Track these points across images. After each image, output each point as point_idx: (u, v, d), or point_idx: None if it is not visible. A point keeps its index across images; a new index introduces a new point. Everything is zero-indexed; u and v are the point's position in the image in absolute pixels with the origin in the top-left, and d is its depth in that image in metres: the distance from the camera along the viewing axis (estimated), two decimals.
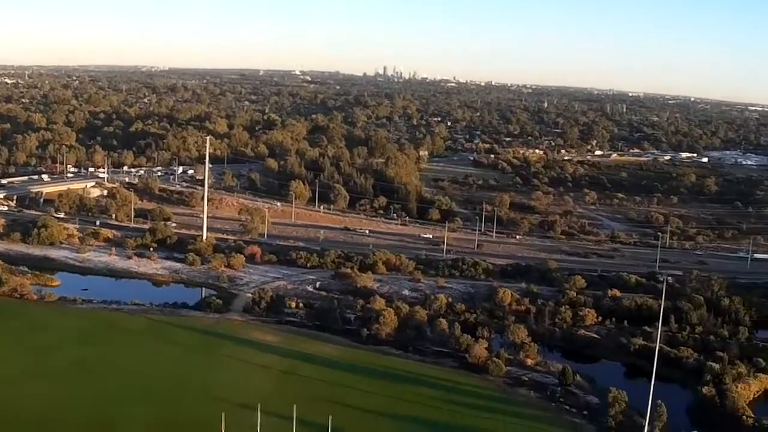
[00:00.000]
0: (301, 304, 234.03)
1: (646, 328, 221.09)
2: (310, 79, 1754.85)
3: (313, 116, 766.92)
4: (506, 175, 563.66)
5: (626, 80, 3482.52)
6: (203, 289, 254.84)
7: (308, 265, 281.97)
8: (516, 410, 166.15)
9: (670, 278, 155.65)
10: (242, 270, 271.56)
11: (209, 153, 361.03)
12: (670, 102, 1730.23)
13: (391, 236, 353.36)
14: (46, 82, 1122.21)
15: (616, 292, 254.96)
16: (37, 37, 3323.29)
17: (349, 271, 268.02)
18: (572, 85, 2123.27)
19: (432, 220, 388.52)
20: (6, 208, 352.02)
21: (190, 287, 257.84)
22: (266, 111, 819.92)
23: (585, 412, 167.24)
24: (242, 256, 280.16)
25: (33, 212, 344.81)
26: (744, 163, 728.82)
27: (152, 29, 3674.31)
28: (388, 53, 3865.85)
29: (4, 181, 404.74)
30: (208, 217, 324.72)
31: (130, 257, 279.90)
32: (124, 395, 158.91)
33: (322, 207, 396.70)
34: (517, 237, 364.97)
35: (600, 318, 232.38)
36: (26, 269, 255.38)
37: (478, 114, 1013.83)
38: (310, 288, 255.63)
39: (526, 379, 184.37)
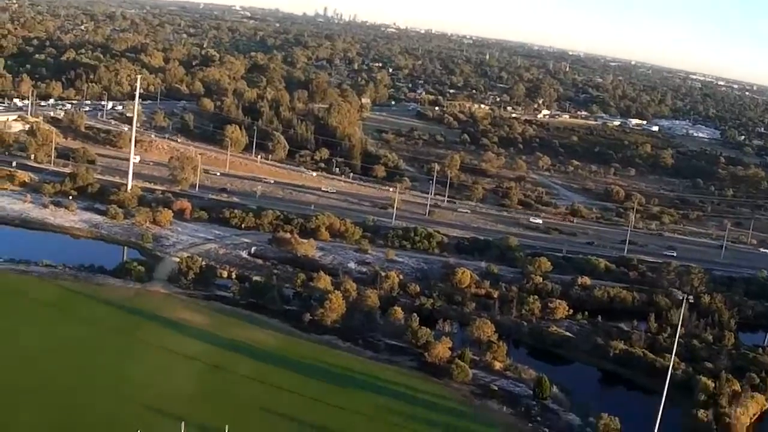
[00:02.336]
0: (234, 275, 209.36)
1: (622, 326, 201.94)
2: (249, 15, 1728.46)
3: (252, 54, 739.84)
4: (453, 130, 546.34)
5: (566, 39, 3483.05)
6: (125, 248, 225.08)
7: (243, 225, 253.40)
8: None
9: (690, 298, 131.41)
10: (169, 228, 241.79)
11: (141, 90, 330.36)
12: (611, 64, 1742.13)
13: (335, 195, 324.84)
14: None
15: (586, 280, 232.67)
16: None
17: (288, 236, 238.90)
18: (512, 39, 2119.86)
19: (377, 177, 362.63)
20: None
21: (110, 244, 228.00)
22: (204, 46, 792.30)
23: None
24: (170, 211, 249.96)
25: None
26: (695, 135, 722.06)
27: None
28: None
29: None
30: (135, 162, 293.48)
31: (46, 206, 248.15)
32: (13, 393, 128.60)
33: (259, 156, 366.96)
34: (471, 204, 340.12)
35: (570, 311, 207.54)
36: None
37: (420, 63, 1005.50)
38: (244, 254, 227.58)
39: (495, 388, 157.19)
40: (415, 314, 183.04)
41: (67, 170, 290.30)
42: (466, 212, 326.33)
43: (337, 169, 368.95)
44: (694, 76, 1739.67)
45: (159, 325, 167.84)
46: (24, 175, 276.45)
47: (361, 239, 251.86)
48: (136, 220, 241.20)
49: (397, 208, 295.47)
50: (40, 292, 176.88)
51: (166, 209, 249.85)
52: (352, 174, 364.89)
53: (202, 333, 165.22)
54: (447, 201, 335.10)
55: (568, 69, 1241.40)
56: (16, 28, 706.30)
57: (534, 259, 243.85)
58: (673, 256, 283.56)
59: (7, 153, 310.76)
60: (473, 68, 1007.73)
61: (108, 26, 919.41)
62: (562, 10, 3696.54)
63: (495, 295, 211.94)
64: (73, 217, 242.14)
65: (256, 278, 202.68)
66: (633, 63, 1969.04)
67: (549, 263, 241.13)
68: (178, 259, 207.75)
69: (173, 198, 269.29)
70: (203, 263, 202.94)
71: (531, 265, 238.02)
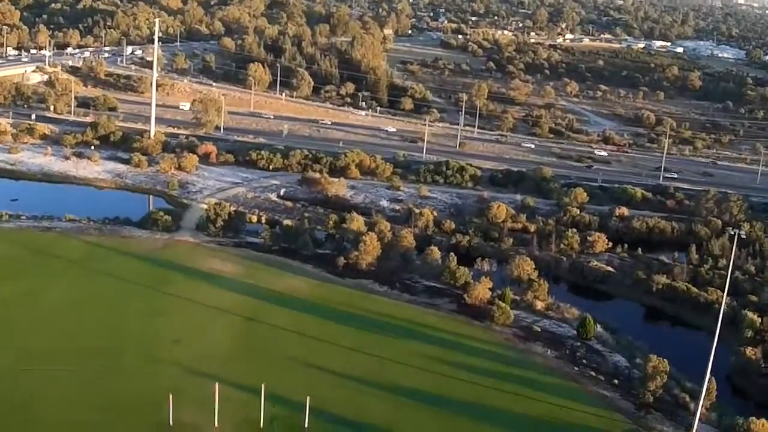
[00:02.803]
0: (264, 219, 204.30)
1: (663, 258, 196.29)
2: None
3: None
4: (478, 59, 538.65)
5: None
6: (150, 198, 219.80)
7: (270, 167, 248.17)
8: (533, 378, 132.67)
9: (742, 233, 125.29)
10: (195, 173, 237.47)
11: (160, 33, 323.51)
12: None
13: (362, 129, 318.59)
14: None
15: (624, 211, 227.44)
16: None
17: (317, 175, 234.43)
18: None
19: (404, 110, 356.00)
20: None
21: (135, 194, 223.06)
22: None
23: (615, 381, 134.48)
24: (195, 156, 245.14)
25: None
26: (720, 55, 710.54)
27: None
28: None
29: None
30: (157, 105, 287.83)
31: (68, 158, 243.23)
32: (41, 355, 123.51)
33: (284, 94, 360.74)
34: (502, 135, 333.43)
35: (610, 244, 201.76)
36: None
37: None
38: (273, 196, 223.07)
39: (538, 329, 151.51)
40: (452, 253, 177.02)
41: (88, 120, 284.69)
42: (498, 142, 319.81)
43: (363, 103, 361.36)
44: None
45: (189, 277, 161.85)
46: (44, 128, 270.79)
47: (392, 176, 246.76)
48: (161, 167, 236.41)
49: (426, 141, 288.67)
50: (64, 249, 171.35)
51: (190, 154, 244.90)
52: (379, 108, 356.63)
53: (234, 283, 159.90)
54: (477, 132, 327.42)
55: None
56: None
57: (570, 190, 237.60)
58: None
59: (26, 106, 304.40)
60: None
61: None
62: None
63: (532, 230, 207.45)
64: (96, 168, 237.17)
65: (286, 222, 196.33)
66: None
67: (585, 194, 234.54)
68: (205, 206, 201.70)
69: (198, 142, 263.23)
70: (232, 209, 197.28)
71: (567, 197, 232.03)
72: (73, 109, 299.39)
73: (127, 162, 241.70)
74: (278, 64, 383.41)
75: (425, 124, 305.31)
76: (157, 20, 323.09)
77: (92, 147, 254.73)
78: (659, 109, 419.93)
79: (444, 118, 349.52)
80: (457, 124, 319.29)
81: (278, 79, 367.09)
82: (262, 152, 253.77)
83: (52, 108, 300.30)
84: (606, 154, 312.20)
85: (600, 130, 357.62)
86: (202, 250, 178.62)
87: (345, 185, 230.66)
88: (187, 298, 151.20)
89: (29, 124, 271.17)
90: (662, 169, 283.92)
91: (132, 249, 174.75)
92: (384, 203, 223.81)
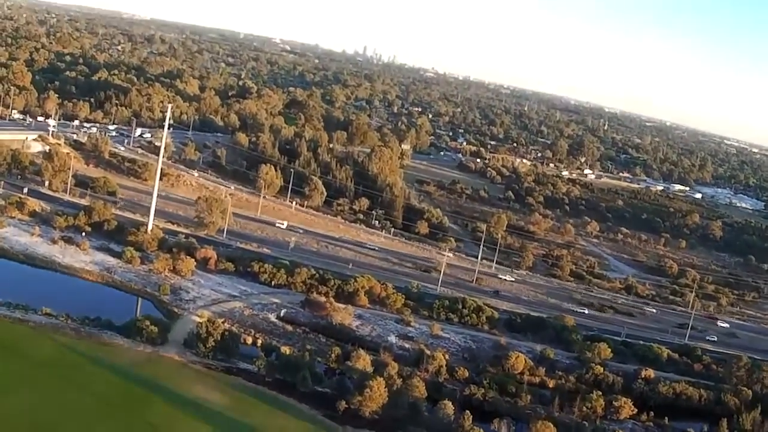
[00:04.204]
0: (260, 342, 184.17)
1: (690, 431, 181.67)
2: (289, 48, 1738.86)
3: (291, 89, 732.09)
4: (496, 185, 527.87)
5: (603, 95, 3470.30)
6: (138, 300, 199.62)
7: (273, 282, 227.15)
8: None
9: None
10: (190, 278, 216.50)
11: (173, 117, 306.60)
12: (647, 124, 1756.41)
13: (374, 252, 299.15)
14: (24, 15, 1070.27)
15: (650, 373, 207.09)
16: None
17: (323, 299, 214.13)
18: (549, 91, 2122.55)
19: (419, 233, 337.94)
20: None
21: (122, 293, 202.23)
22: (242, 76, 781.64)
23: None
24: (193, 260, 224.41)
25: None
26: (738, 204, 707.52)
27: None
28: (368, 32, 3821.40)
29: None
30: (159, 196, 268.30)
31: (55, 241, 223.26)
32: None
33: (294, 202, 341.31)
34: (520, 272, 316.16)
35: (635, 410, 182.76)
36: None
37: (459, 110, 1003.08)
38: (272, 317, 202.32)
39: None
40: (467, 411, 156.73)
41: (83, 202, 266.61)
42: (516, 281, 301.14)
43: (377, 222, 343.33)
44: (729, 141, 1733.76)
45: (169, 403, 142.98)
46: (35, 204, 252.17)
47: (403, 308, 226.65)
48: (155, 266, 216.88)
49: (440, 271, 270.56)
50: (35, 348, 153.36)
51: (188, 257, 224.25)
52: (393, 229, 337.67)
53: (219, 417, 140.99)
54: (495, 267, 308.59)
55: (606, 127, 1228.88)
56: (51, 43, 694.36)
57: (593, 344, 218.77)
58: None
59: (20, 177, 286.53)
60: (513, 119, 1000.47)
61: (145, 48, 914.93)
62: (598, 67, 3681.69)
63: (551, 385, 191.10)
64: (84, 257, 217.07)
65: (285, 350, 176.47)
66: (668, 124, 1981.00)
67: (609, 350, 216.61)
68: (197, 319, 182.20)
69: (197, 244, 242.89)
70: (226, 329, 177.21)
71: (589, 351, 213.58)
72: (69, 188, 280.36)
73: (118, 256, 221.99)
74: (292, 169, 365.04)
75: (441, 253, 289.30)
76: (169, 107, 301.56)
77: (83, 233, 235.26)
78: (681, 258, 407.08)
79: (460, 248, 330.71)
80: (475, 257, 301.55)
81: (290, 185, 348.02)
82: (266, 265, 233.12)
83: (47, 183, 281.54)
84: (655, 311, 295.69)
85: (621, 276, 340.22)
86: (188, 371, 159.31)
87: (352, 314, 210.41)
88: (165, 427, 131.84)
89: (20, 198, 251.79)
90: (689, 327, 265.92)
91: (110, 358, 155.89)
92: (393, 339, 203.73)
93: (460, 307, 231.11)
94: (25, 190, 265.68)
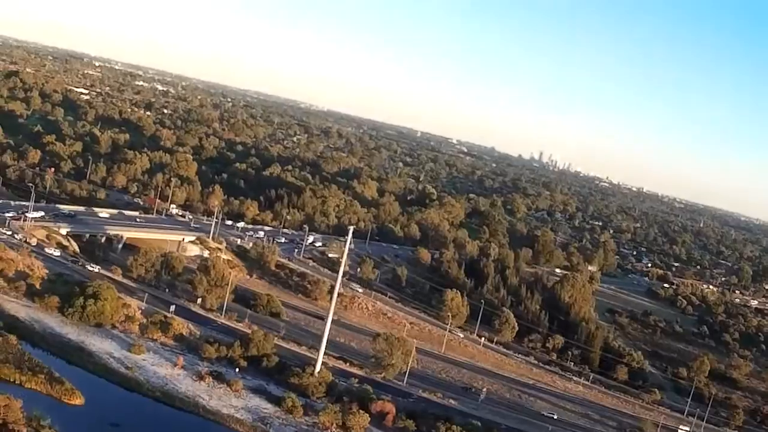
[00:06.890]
0: None
1: None
2: (465, 150, 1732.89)
3: (472, 196, 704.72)
4: (687, 316, 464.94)
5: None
6: None
7: None
8: None
9: None
10: None
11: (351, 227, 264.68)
12: None
13: (571, 404, 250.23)
14: (198, 97, 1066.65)
15: None
16: (201, 51, 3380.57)
17: None
18: (722, 207, 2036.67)
19: (617, 379, 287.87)
20: (59, 253, 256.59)
21: None
22: (420, 179, 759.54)
23: None
24: (367, 414, 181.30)
25: (95, 268, 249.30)
26: None
27: (317, 65, 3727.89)
28: (543, 138, 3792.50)
29: (67, 210, 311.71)
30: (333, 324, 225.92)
31: (202, 377, 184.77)
32: None
33: (483, 338, 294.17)
34: None
35: None
36: (43, 365, 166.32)
37: (638, 225, 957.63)
38: None
39: None
40: None
41: (241, 326, 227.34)
42: None
43: (572, 362, 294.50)
44: None
45: None
46: (182, 325, 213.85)
47: None
48: (320, 420, 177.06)
49: None
50: None
51: (361, 411, 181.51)
52: (592, 375, 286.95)
53: None
54: (704, 427, 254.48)
55: None
56: (223, 129, 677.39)
57: None
58: None
59: (168, 289, 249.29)
60: (692, 238, 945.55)
61: (321, 142, 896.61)
62: None
63: None
64: (235, 401, 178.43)
65: None
66: None
67: None
68: None
69: (373, 392, 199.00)
70: None
71: None
72: (225, 306, 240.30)
73: (277, 402, 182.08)
74: (482, 300, 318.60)
75: (646, 407, 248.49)
76: (350, 229, 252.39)
77: (237, 369, 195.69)
78: None
79: (663, 400, 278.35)
80: (679, 411, 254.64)
81: (480, 316, 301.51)
82: (453, 426, 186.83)
83: (199, 300, 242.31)
84: None
85: None
86: None
87: None
88: None
89: (165, 317, 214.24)
90: None
91: None
92: None
93: None
94: (172, 309, 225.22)
